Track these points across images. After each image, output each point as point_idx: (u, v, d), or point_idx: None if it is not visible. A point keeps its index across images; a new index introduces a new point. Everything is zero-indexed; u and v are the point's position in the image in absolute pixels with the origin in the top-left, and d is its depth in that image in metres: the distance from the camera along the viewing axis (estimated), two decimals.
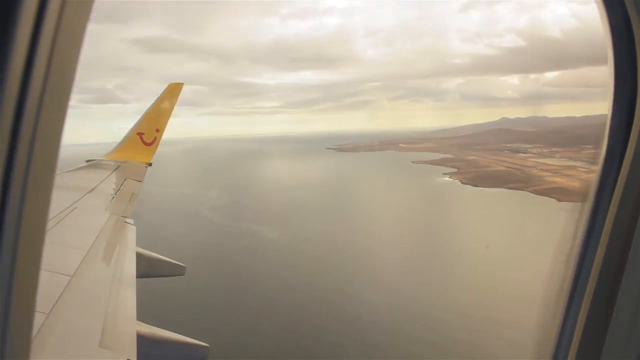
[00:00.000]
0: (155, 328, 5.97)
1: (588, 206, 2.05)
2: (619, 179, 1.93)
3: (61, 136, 1.03)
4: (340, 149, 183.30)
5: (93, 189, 9.07)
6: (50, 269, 4.38)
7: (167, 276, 9.61)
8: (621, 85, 1.92)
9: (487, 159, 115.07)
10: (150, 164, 12.56)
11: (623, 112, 1.93)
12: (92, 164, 10.84)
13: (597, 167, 2.01)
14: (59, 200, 7.31)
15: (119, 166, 11.17)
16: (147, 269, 8.50)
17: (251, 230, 58.32)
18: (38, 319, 3.18)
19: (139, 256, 8.77)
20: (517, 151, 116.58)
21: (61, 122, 1.03)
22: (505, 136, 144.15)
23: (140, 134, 12.74)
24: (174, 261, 9.67)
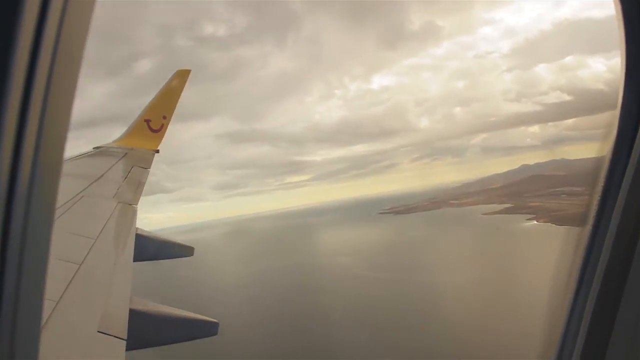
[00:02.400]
0: (164, 306, 6.08)
1: (594, 207, 2.04)
2: (624, 179, 1.92)
3: (67, 129, 1.04)
4: (395, 212, 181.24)
5: (100, 177, 9.06)
6: (60, 258, 4.44)
7: (176, 257, 9.70)
8: (631, 82, 1.92)
9: (552, 203, 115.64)
10: (157, 151, 12.49)
11: (632, 111, 1.93)
12: (99, 151, 10.86)
13: (604, 164, 2.00)
14: (66, 188, 7.31)
15: (126, 153, 11.15)
16: (157, 251, 8.78)
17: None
18: (48, 307, 3.28)
19: (148, 239, 8.84)
20: (571, 193, 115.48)
21: (67, 115, 1.03)
22: (541, 181, 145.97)
23: (147, 121, 12.73)
24: (182, 243, 9.81)
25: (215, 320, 7.12)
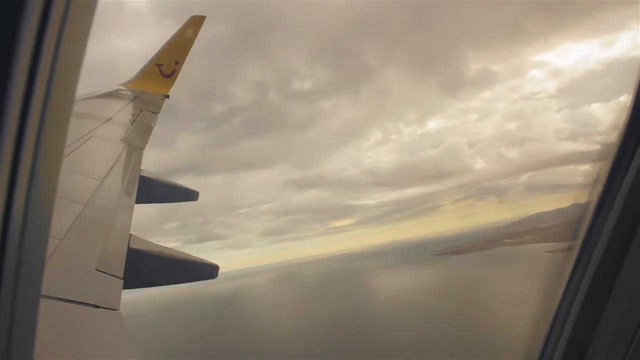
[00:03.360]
0: (165, 247, 6.28)
1: (592, 205, 2.06)
2: (626, 178, 1.92)
3: (67, 128, 1.09)
4: (450, 253, 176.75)
5: (110, 119, 9.05)
6: (65, 197, 4.49)
7: (180, 201, 9.74)
8: None
9: None
10: (167, 96, 12.23)
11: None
12: (110, 93, 10.73)
13: (607, 164, 2.00)
14: (76, 128, 7.35)
15: (136, 97, 11.04)
16: (161, 193, 8.87)
17: None
18: (52, 244, 3.37)
19: (153, 181, 8.84)
20: None
21: (67, 114, 1.08)
22: None
23: (159, 65, 12.55)
24: (187, 187, 9.75)
25: (215, 264, 7.01)
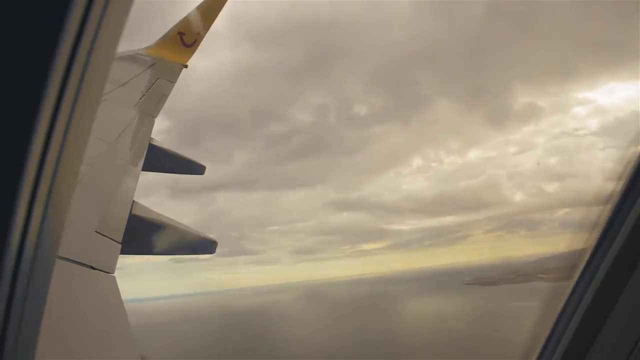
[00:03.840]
0: (167, 217, 6.31)
1: (610, 207, 2.03)
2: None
3: (91, 126, 1.12)
4: (481, 283, 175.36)
5: (126, 83, 8.99)
6: None
7: (186, 173, 9.99)
8: None
9: None
10: (185, 66, 12.15)
11: None
12: (129, 56, 10.66)
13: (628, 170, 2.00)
14: None
15: (154, 63, 10.98)
16: (168, 164, 9.01)
17: None
18: None
19: (161, 150, 8.95)
20: None
21: (92, 112, 1.11)
22: None
23: (180, 34, 12.43)
24: (195, 161, 9.95)
25: (215, 240, 7.03)
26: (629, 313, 1.93)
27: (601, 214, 2.07)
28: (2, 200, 0.89)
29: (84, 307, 2.85)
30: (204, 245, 6.69)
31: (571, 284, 2.13)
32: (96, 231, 3.71)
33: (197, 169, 9.85)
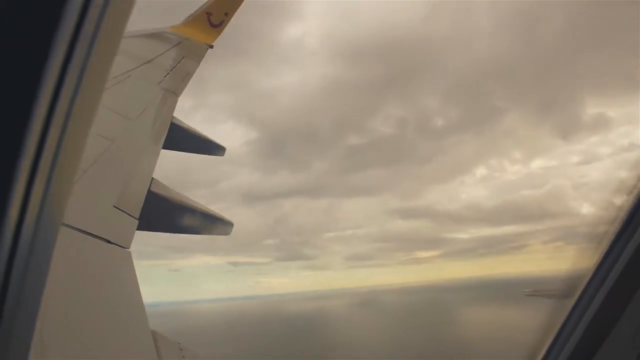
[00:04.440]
0: (185, 196, 6.37)
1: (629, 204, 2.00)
2: None
3: (90, 125, 1.08)
4: (544, 295, 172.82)
5: (151, 60, 9.07)
6: (95, 132, 4.50)
7: (206, 154, 9.94)
8: None
9: None
10: (211, 46, 12.16)
11: None
12: (155, 34, 10.72)
13: None
14: (117, 66, 7.48)
15: (180, 42, 10.98)
16: (189, 143, 9.08)
17: None
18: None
19: (183, 129, 9.02)
20: None
21: (93, 111, 1.08)
22: None
23: (208, 14, 12.39)
24: (216, 142, 10.03)
25: (231, 221, 7.07)
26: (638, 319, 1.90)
27: None
28: (2, 174, 0.87)
29: (98, 279, 2.90)
30: (220, 226, 6.80)
31: (579, 289, 2.10)
32: (114, 206, 3.74)
33: (217, 149, 9.95)
